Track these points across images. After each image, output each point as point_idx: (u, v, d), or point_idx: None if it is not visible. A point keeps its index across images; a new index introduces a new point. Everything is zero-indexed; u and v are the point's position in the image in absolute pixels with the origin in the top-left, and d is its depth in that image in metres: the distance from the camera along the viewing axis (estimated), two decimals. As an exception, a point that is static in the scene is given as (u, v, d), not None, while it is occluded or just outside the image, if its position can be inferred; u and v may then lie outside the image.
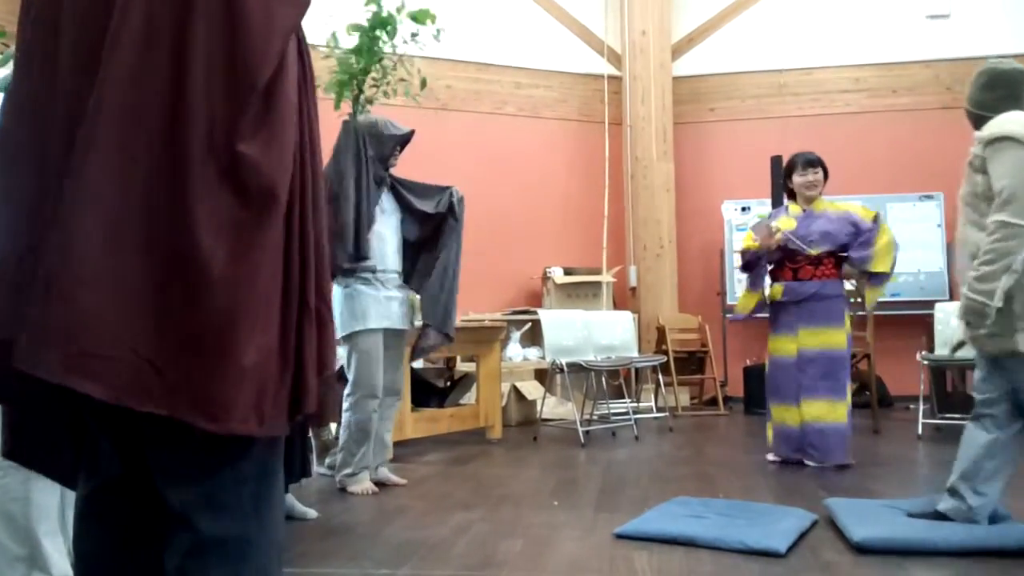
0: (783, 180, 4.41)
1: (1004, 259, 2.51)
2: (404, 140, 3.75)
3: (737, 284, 7.11)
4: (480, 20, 7.45)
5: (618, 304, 7.34)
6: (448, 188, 3.89)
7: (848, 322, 4.21)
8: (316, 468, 3.89)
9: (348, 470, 3.60)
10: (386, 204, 3.74)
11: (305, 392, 1.18)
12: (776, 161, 5.91)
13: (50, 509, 2.01)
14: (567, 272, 7.08)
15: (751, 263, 4.40)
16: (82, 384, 1.01)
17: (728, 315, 7.20)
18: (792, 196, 4.38)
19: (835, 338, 4.11)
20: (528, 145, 7.55)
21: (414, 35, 3.66)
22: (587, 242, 7.59)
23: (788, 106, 7.70)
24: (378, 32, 3.58)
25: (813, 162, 4.27)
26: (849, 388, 4.16)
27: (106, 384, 1.02)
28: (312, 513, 3.17)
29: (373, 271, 3.61)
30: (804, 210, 4.28)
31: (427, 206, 3.80)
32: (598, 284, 7.09)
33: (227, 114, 1.09)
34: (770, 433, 4.30)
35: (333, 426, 3.91)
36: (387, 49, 3.66)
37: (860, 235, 4.16)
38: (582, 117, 7.80)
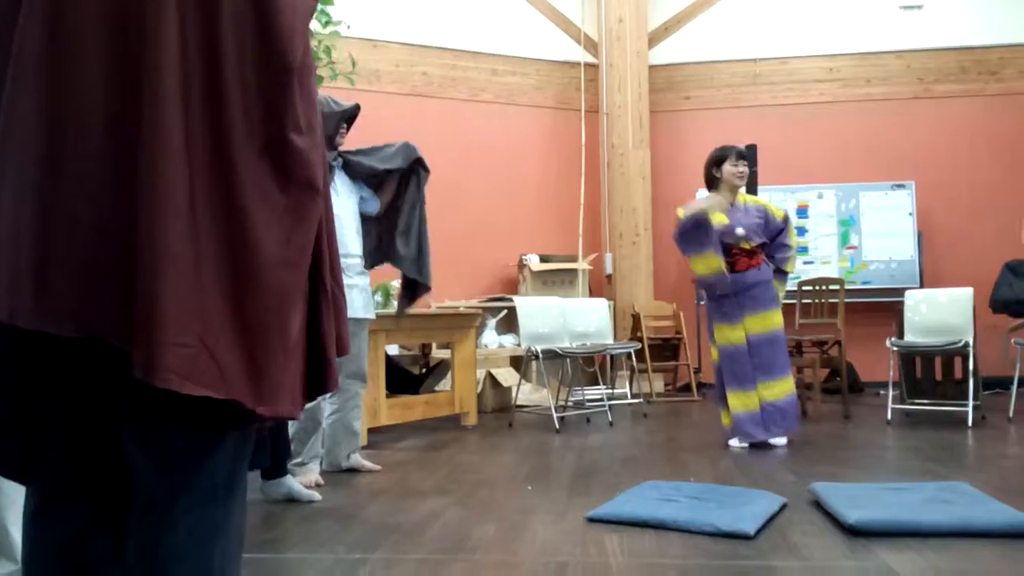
0: (709, 169, 4.46)
1: None
2: (349, 116, 3.58)
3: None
4: (456, 6, 7.42)
5: (594, 291, 7.37)
6: (399, 143, 3.79)
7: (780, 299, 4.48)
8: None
9: (298, 459, 3.48)
10: (340, 186, 3.61)
11: (328, 373, 1.21)
12: (751, 150, 5.96)
13: (18, 497, 1.99)
14: (543, 259, 7.09)
15: (694, 227, 4.33)
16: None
17: (702, 301, 7.24)
18: (711, 186, 4.46)
19: (776, 319, 4.39)
20: (505, 132, 7.54)
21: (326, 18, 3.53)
22: (563, 229, 7.61)
23: (763, 95, 7.75)
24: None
25: (744, 155, 4.45)
26: (790, 361, 4.49)
27: (176, 373, 1.02)
28: (316, 496, 3.18)
29: None
30: (731, 204, 4.41)
31: (380, 162, 3.71)
32: (574, 271, 7.11)
33: (270, 102, 1.10)
34: (727, 420, 4.43)
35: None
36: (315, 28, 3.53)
37: (768, 228, 4.41)
38: (559, 105, 7.80)
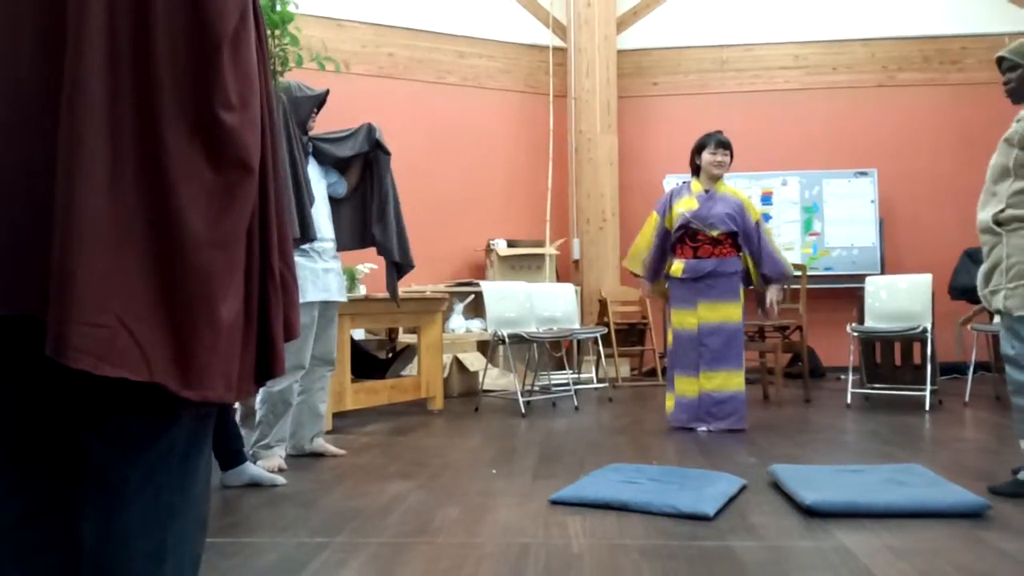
0: (692, 156, 4.50)
1: None
2: (320, 101, 3.60)
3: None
4: (424, -13, 7.35)
5: (561, 276, 7.39)
6: (362, 126, 3.81)
7: (743, 297, 4.44)
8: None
9: (264, 441, 3.46)
10: (312, 171, 3.64)
11: (274, 357, 1.19)
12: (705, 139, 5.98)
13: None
14: (511, 244, 7.09)
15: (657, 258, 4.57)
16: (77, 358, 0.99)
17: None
18: (696, 173, 4.50)
19: (732, 312, 4.35)
20: (472, 116, 7.50)
21: None
22: (531, 214, 7.60)
23: (729, 82, 7.79)
24: None
25: (725, 143, 4.44)
26: (744, 358, 4.41)
27: (89, 353, 1.00)
28: (280, 480, 3.15)
29: (311, 239, 3.53)
30: (707, 191, 4.42)
31: (344, 150, 3.74)
32: (541, 256, 7.12)
33: (197, 76, 1.07)
34: (670, 403, 4.48)
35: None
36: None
37: (739, 223, 4.36)
38: (526, 88, 7.78)
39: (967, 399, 5.33)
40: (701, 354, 4.34)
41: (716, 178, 4.44)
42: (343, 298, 3.77)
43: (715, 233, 4.36)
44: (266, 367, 1.20)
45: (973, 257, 6.26)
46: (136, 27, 1.05)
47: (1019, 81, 2.89)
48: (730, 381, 4.31)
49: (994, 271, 2.85)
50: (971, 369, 5.40)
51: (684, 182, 4.61)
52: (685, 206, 4.41)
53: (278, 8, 3.24)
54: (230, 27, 1.10)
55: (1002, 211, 2.80)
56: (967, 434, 4.36)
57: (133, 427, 1.11)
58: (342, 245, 3.86)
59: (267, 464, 3.36)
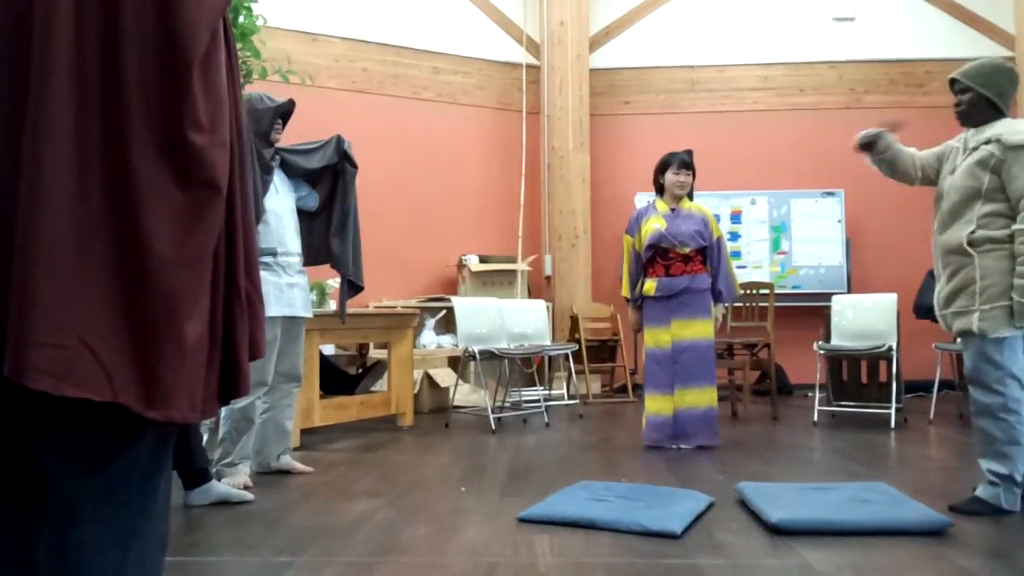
0: (656, 175, 4.55)
1: None
2: (284, 112, 3.55)
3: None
4: (398, 2, 7.36)
5: (533, 293, 7.40)
6: (332, 138, 3.79)
7: (714, 313, 4.48)
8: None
9: (228, 459, 3.41)
10: (279, 184, 3.59)
11: (239, 376, 1.18)
12: (689, 155, 6.05)
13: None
14: (483, 260, 7.09)
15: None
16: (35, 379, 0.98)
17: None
18: (661, 192, 4.56)
19: (704, 329, 4.39)
20: (445, 131, 7.51)
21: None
22: (503, 230, 7.62)
23: (700, 102, 7.89)
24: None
25: (687, 164, 4.49)
26: (715, 376, 4.45)
27: (50, 373, 0.99)
28: (248, 496, 3.11)
29: (274, 254, 3.49)
30: (672, 209, 4.48)
31: (313, 161, 3.71)
32: (513, 272, 7.13)
33: (167, 96, 1.07)
34: (644, 422, 4.49)
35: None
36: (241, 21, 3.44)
37: (704, 237, 4.41)
38: (500, 105, 7.81)
39: (931, 417, 5.41)
40: (675, 372, 4.35)
41: (679, 198, 4.50)
42: (308, 314, 3.72)
43: (686, 250, 4.40)
44: (231, 386, 1.20)
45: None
46: (104, 47, 1.04)
47: (969, 104, 2.95)
48: (703, 398, 4.33)
49: (961, 292, 2.87)
50: (935, 387, 5.48)
51: (649, 202, 4.66)
52: (653, 226, 4.46)
53: (242, 20, 3.24)
54: (201, 48, 1.10)
55: (973, 232, 2.83)
56: (931, 452, 4.42)
57: (94, 446, 1.10)
58: (312, 260, 3.82)
59: (232, 482, 3.31)
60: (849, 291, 7.11)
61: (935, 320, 6.47)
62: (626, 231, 4.65)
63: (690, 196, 4.57)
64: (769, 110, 7.84)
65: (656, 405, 4.40)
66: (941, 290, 3.00)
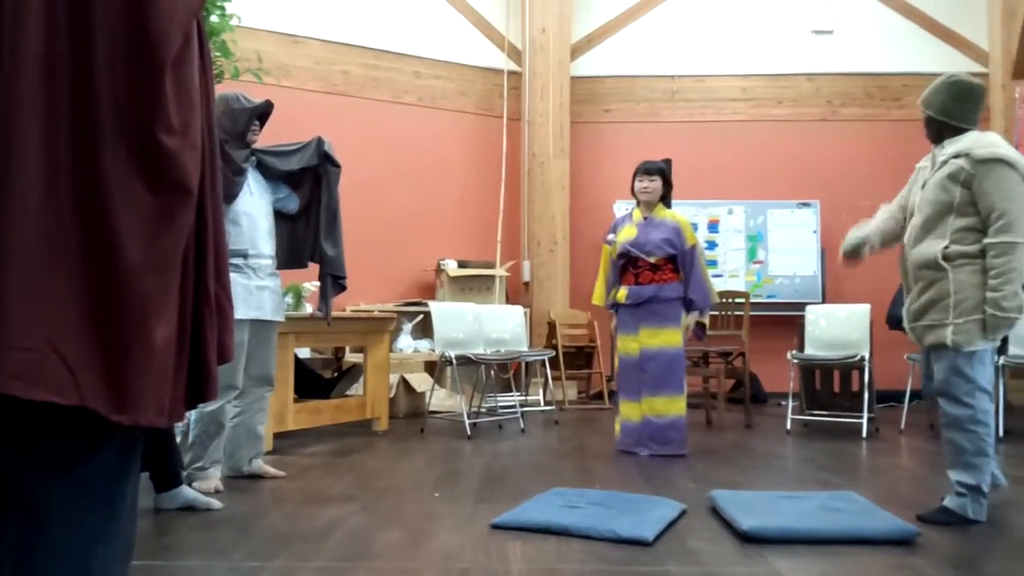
0: (631, 185, 4.58)
1: (1020, 276, 2.76)
2: (261, 113, 3.53)
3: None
4: (380, 6, 7.35)
5: (511, 298, 7.41)
6: (312, 139, 3.77)
7: (683, 321, 4.46)
8: None
9: (199, 464, 3.37)
10: (254, 185, 3.56)
11: (207, 380, 1.18)
12: (667, 164, 6.09)
13: None
14: (461, 265, 7.09)
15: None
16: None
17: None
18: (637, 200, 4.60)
19: (672, 338, 4.39)
20: (426, 136, 7.51)
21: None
22: (482, 236, 7.62)
23: (679, 111, 7.94)
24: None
25: (650, 170, 4.50)
26: (686, 383, 4.44)
27: (19, 377, 0.98)
28: (215, 503, 3.05)
29: (245, 256, 3.44)
30: (645, 217, 4.50)
31: (291, 163, 3.68)
32: (492, 278, 7.13)
33: (139, 98, 1.06)
34: (617, 427, 4.54)
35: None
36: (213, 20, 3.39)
37: (674, 246, 4.39)
38: (481, 111, 7.82)
39: (903, 427, 5.47)
40: (643, 379, 4.38)
41: (651, 204, 4.50)
42: (279, 317, 3.68)
43: (653, 259, 4.42)
44: (199, 390, 1.19)
45: (910, 288, 6.45)
46: (74, 44, 1.03)
47: (926, 124, 3.05)
48: (671, 406, 4.34)
49: (934, 305, 2.91)
50: (907, 397, 5.54)
51: (628, 210, 4.69)
52: (626, 235, 4.49)
53: (214, 19, 3.21)
54: (173, 49, 1.09)
55: (947, 247, 2.87)
56: (901, 462, 4.47)
57: (60, 449, 1.09)
58: (291, 263, 3.79)
59: (203, 486, 3.29)
60: (823, 301, 7.17)
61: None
62: (604, 239, 4.68)
63: (667, 204, 4.60)
64: (747, 121, 7.92)
65: (626, 411, 4.45)
66: (912, 303, 3.03)
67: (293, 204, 3.78)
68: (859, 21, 7.93)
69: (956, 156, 2.89)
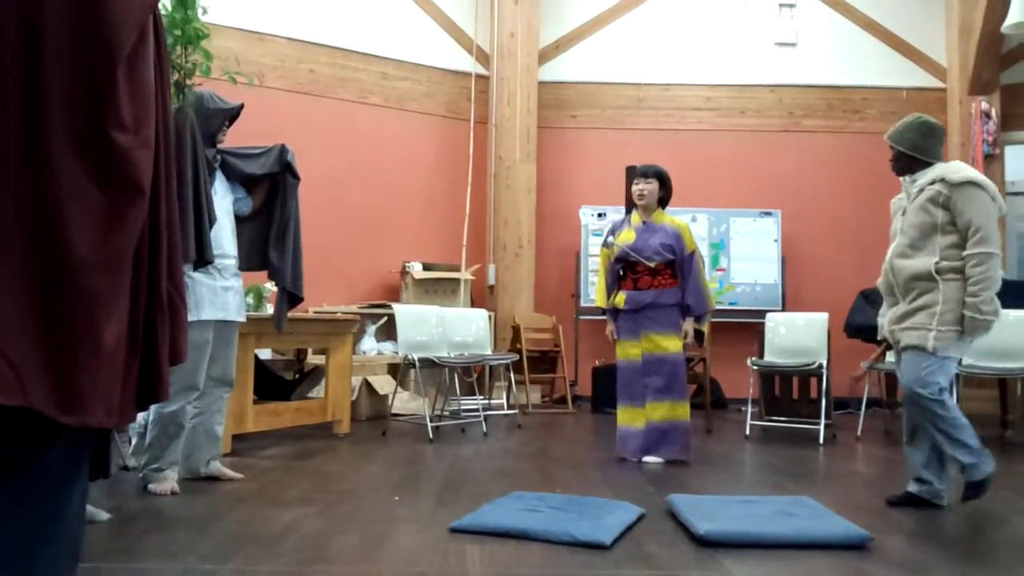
0: (626, 190, 4.61)
1: (995, 283, 3.09)
2: (232, 115, 3.52)
3: (591, 286, 7.34)
4: (348, 5, 7.32)
5: (476, 302, 7.41)
6: (275, 146, 3.74)
7: (683, 327, 4.43)
8: (131, 461, 3.69)
9: (155, 465, 3.32)
10: (218, 185, 3.54)
11: (159, 382, 1.16)
12: (630, 171, 6.14)
13: None
14: (426, 267, 7.07)
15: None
16: None
17: (581, 316, 7.44)
18: (635, 205, 4.59)
19: (670, 344, 4.35)
20: (392, 137, 7.48)
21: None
22: (448, 238, 7.61)
23: (644, 119, 8.01)
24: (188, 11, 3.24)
25: (647, 173, 4.48)
26: (687, 389, 4.42)
27: None
28: (103, 515, 2.84)
29: (208, 263, 3.42)
30: (644, 222, 4.48)
31: (253, 167, 3.66)
32: (457, 281, 7.13)
33: (90, 94, 1.03)
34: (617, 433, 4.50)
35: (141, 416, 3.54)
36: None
37: (673, 251, 4.38)
38: (448, 113, 7.82)
39: (859, 433, 5.57)
40: (647, 385, 4.33)
41: (648, 208, 4.46)
42: (242, 318, 3.66)
43: (652, 264, 4.38)
44: (150, 392, 1.18)
45: (869, 298, 6.57)
46: (23, 39, 1.02)
47: (895, 159, 3.40)
48: (673, 412, 4.29)
49: (920, 311, 3.19)
50: (863, 405, 5.64)
51: (625, 216, 4.65)
52: (624, 239, 4.46)
53: (195, 23, 3.16)
54: (127, 45, 1.07)
55: (938, 262, 3.16)
56: (857, 468, 4.55)
57: (4, 452, 1.07)
58: (239, 265, 3.75)
59: (159, 488, 3.24)
60: (783, 309, 7.28)
61: (865, 340, 6.67)
62: (602, 243, 4.66)
63: (630, 211, 4.61)
64: (711, 130, 8.01)
65: (626, 417, 4.39)
66: (899, 310, 3.28)
67: (246, 207, 3.75)
68: (821, 35, 8.08)
69: (932, 183, 3.22)
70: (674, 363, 4.35)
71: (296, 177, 3.79)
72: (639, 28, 8.07)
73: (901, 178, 3.42)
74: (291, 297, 3.87)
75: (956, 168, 3.23)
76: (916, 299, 3.22)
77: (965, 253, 3.13)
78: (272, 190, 3.80)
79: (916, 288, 3.23)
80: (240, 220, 3.74)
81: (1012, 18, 6.88)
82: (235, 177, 3.67)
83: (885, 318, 3.39)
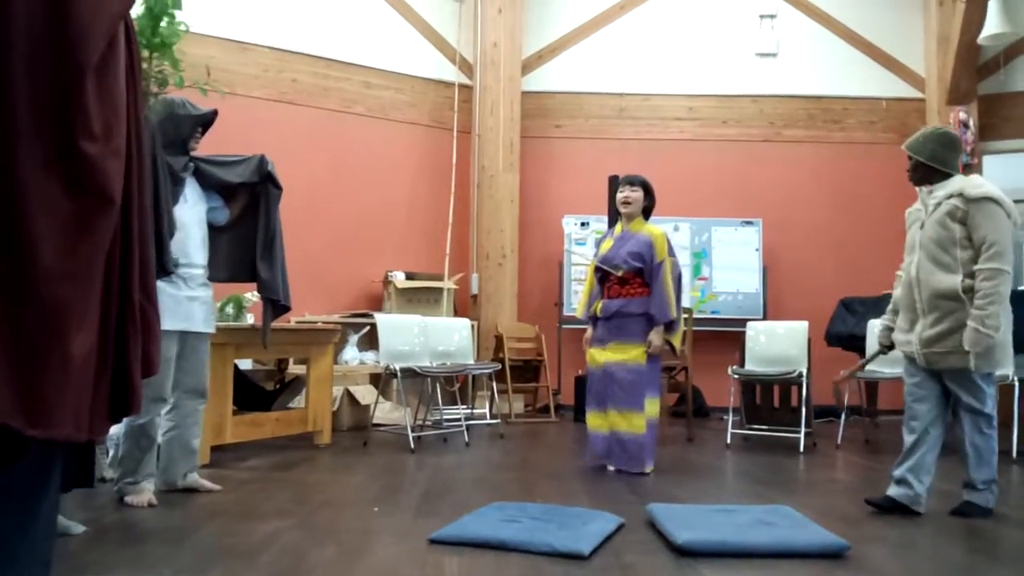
0: (610, 200, 4.63)
1: (1003, 300, 3.17)
2: (205, 121, 3.47)
3: (574, 295, 7.35)
4: (330, 15, 7.32)
5: (459, 311, 7.40)
6: (255, 156, 3.72)
7: (649, 337, 4.33)
8: (108, 472, 3.65)
9: (130, 478, 3.28)
10: (189, 193, 3.49)
11: (131, 393, 1.14)
12: (613, 180, 6.16)
13: None
14: (409, 277, 7.06)
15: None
16: None
17: (564, 325, 7.45)
18: (619, 215, 4.62)
19: (635, 353, 4.33)
20: (376, 147, 7.48)
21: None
22: (430, 248, 7.60)
23: (627, 129, 8.05)
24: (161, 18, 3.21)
25: (633, 181, 4.52)
26: (648, 401, 4.31)
27: None
28: (77, 528, 2.80)
29: (176, 266, 3.35)
30: (624, 231, 4.52)
31: (230, 175, 3.62)
32: (439, 290, 7.12)
33: (58, 103, 1.02)
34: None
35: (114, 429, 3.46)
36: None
37: (643, 259, 4.36)
38: (431, 123, 7.82)
39: (839, 442, 5.59)
40: (608, 393, 4.36)
41: (631, 216, 4.48)
42: (210, 329, 3.60)
43: (620, 273, 4.40)
44: (123, 404, 1.17)
45: (849, 307, 6.62)
46: None
47: (913, 169, 3.43)
48: (631, 423, 4.26)
49: (952, 335, 3.23)
50: (844, 413, 5.67)
51: (610, 227, 4.68)
52: (603, 249, 4.52)
53: (163, 27, 3.14)
54: (96, 53, 1.07)
55: (963, 281, 3.22)
56: (837, 476, 4.56)
57: None
58: (215, 276, 3.70)
59: (136, 500, 3.21)
60: (765, 318, 7.32)
61: (846, 348, 6.69)
62: (593, 255, 4.70)
63: (614, 220, 4.64)
64: (693, 140, 8.06)
65: (594, 422, 4.43)
66: (925, 330, 3.32)
67: (223, 217, 3.71)
68: (802, 45, 8.15)
69: (950, 196, 3.27)
70: (635, 372, 4.29)
71: (279, 187, 3.77)
72: (622, 38, 8.12)
73: (918, 188, 3.46)
74: (276, 306, 3.84)
75: (976, 183, 3.28)
76: (942, 320, 3.25)
77: (976, 267, 3.19)
78: (252, 200, 3.77)
79: (941, 307, 3.26)
80: (218, 230, 3.70)
81: (988, 29, 6.99)
82: (211, 186, 3.62)
83: (907, 335, 3.40)
